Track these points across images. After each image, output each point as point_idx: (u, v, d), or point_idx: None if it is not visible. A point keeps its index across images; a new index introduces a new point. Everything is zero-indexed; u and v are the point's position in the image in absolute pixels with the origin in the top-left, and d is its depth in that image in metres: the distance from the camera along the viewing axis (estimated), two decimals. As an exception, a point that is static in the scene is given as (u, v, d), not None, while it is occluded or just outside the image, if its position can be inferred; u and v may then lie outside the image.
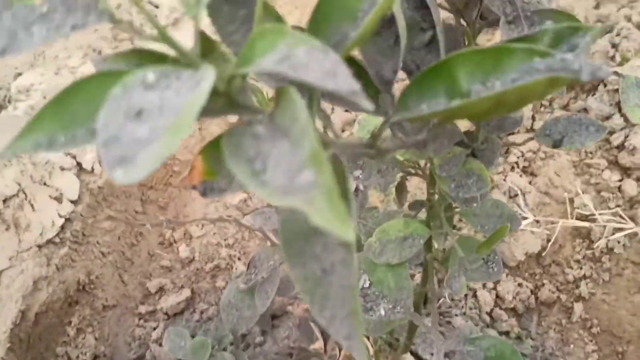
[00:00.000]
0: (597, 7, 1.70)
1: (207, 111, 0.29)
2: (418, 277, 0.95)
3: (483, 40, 1.49)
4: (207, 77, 0.27)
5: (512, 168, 1.52)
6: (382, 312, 0.69)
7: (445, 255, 0.78)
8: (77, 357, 1.38)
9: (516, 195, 1.44)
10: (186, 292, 1.47)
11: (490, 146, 0.65)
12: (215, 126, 1.75)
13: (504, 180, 1.48)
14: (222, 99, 0.32)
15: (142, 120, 0.28)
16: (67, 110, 0.34)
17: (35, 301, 1.33)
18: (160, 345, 1.37)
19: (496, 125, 0.65)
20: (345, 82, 0.25)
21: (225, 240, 1.57)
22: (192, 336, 1.07)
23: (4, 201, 1.38)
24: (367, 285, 0.71)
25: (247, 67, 0.28)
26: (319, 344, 0.99)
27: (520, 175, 1.49)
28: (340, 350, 0.97)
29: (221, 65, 0.32)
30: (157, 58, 0.38)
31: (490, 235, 0.63)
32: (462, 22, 0.56)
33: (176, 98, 0.28)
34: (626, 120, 1.45)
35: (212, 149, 0.35)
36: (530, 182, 1.49)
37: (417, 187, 1.48)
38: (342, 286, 0.33)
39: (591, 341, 1.35)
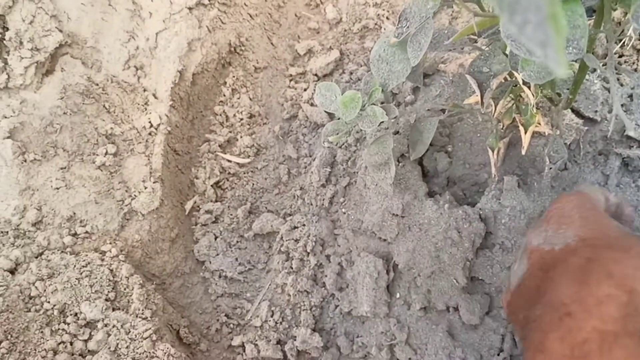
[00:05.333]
0: None
1: None
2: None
3: None
4: None
5: None
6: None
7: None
8: (234, 115, 1.44)
9: None
10: (335, 54, 1.44)
11: None
12: None
13: None
14: None
15: None
16: None
17: (190, 62, 1.37)
18: (312, 105, 1.39)
19: None
20: None
21: (373, -1, 1.49)
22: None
23: (152, -37, 1.38)
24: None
25: None
26: (474, 99, 0.94)
27: None
28: (496, 105, 0.91)
29: None
30: None
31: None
32: None
33: None
34: None
35: None
36: None
37: None
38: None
39: None
